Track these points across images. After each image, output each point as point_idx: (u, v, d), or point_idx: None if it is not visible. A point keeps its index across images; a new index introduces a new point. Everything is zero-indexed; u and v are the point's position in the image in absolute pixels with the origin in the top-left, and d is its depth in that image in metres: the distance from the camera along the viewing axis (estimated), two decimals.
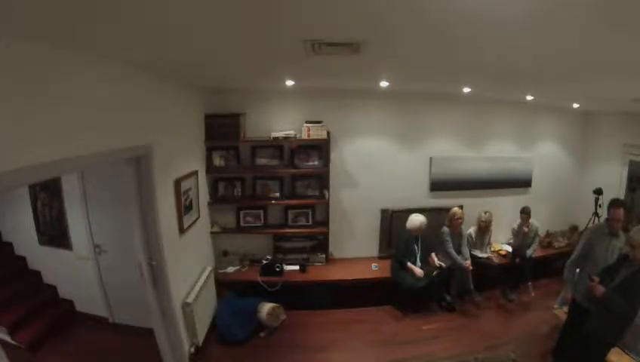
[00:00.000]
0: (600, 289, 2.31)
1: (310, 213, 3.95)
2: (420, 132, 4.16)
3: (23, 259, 3.76)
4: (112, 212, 3.13)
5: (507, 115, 4.38)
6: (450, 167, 4.26)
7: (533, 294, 3.89)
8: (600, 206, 4.19)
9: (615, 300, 2.23)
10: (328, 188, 3.84)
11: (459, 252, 3.79)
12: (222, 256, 3.86)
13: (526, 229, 3.96)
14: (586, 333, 2.42)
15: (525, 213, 3.94)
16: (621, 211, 2.56)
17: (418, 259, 3.67)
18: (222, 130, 3.53)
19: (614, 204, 2.63)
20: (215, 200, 3.74)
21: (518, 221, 4.04)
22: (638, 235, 2.23)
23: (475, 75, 2.48)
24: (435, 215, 4.07)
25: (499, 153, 4.44)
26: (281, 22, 1.25)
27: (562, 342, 2.83)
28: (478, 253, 3.98)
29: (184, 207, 2.85)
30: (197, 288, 2.97)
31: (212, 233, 3.78)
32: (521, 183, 4.62)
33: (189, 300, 2.79)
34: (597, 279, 2.38)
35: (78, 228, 3.33)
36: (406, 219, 3.72)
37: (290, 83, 3.07)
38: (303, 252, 4.01)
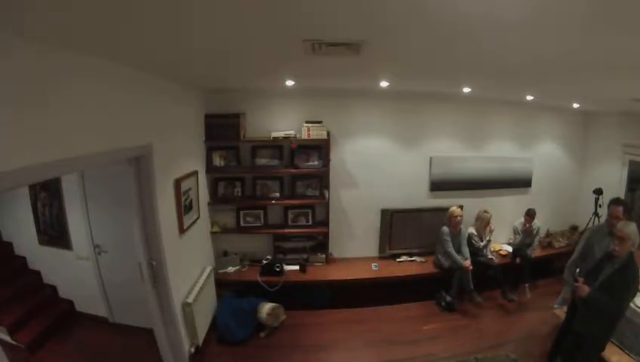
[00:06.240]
0: (584, 289, 2.30)
1: (310, 213, 3.94)
2: (420, 132, 4.15)
3: (23, 259, 3.76)
4: (112, 212, 3.12)
5: (507, 114, 4.38)
6: (450, 167, 4.25)
7: (529, 296, 3.89)
8: (600, 206, 4.19)
9: (600, 299, 2.22)
10: (328, 188, 3.84)
11: (459, 251, 3.79)
12: (222, 256, 3.86)
13: (527, 226, 4.01)
14: (575, 334, 2.42)
15: (529, 215, 3.99)
16: (620, 209, 2.57)
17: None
18: (222, 130, 3.53)
19: (614, 201, 2.66)
20: (215, 200, 3.74)
21: (521, 220, 4.08)
22: (626, 227, 2.21)
23: (476, 74, 2.48)
24: (435, 215, 4.08)
25: (499, 153, 4.44)
26: (282, 22, 1.25)
27: (558, 342, 2.83)
28: (479, 253, 3.98)
29: (184, 207, 2.85)
30: (197, 288, 2.97)
31: (212, 233, 3.77)
32: (521, 183, 4.62)
33: (189, 300, 2.79)
34: (581, 279, 2.37)
35: (78, 228, 3.33)
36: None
37: (290, 83, 3.07)
38: (302, 252, 4.01)
